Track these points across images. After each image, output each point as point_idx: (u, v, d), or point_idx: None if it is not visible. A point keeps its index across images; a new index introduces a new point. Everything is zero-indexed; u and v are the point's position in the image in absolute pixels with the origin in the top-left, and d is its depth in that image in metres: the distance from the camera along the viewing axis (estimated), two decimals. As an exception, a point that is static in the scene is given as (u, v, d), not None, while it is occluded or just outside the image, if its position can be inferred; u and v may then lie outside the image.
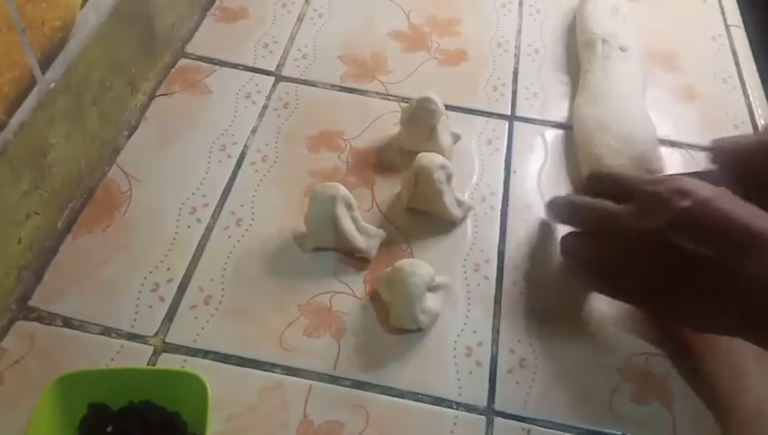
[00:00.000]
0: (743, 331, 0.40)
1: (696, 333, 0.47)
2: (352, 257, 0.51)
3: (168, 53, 0.64)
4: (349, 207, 0.51)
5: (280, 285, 0.50)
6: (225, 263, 0.50)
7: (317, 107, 0.62)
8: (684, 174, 0.50)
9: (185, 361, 0.45)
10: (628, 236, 0.42)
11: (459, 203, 0.54)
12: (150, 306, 0.48)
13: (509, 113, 0.63)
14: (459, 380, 0.46)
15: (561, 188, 0.57)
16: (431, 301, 0.47)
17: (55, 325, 0.46)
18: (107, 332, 0.46)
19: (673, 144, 0.61)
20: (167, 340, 0.46)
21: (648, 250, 0.41)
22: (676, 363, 0.48)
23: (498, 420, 0.44)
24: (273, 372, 0.45)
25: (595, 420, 0.45)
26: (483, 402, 0.45)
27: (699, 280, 0.39)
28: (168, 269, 0.50)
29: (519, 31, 0.71)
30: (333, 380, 0.45)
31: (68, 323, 0.47)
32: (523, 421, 0.45)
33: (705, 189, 0.40)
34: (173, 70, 0.63)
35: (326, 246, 0.50)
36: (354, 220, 0.51)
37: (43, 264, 0.49)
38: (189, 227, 0.52)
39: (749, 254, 0.38)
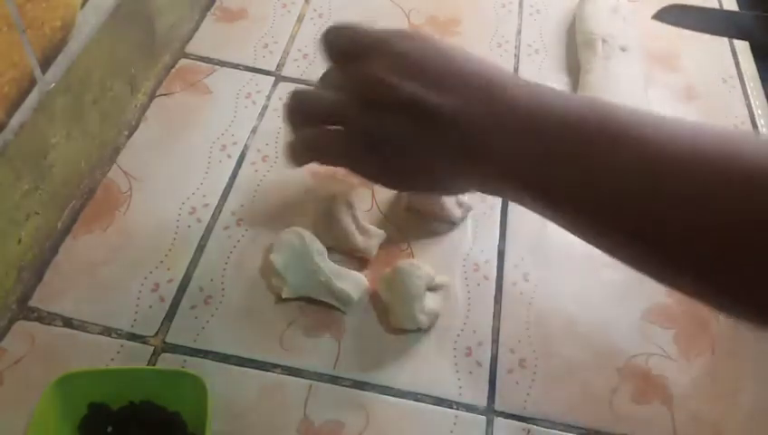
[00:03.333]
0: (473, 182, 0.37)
1: None
2: (352, 257, 0.51)
3: (168, 53, 0.64)
4: (349, 206, 0.51)
5: (280, 285, 0.50)
6: (226, 263, 0.51)
7: (317, 107, 0.62)
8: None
9: (185, 361, 0.46)
10: (347, 82, 0.38)
11: (459, 203, 0.54)
12: (150, 306, 0.48)
13: (509, 113, 0.63)
14: (459, 380, 0.46)
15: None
16: (431, 301, 0.47)
17: (55, 325, 0.46)
18: (107, 332, 0.47)
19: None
20: (167, 340, 0.46)
21: (360, 93, 0.37)
22: (676, 363, 0.48)
23: (498, 420, 0.44)
24: (274, 371, 0.46)
25: (595, 419, 0.45)
26: (483, 402, 0.45)
27: (415, 127, 0.35)
28: (169, 269, 0.50)
29: (519, 31, 0.71)
30: (333, 380, 0.45)
31: (68, 323, 0.47)
32: (523, 421, 0.45)
33: (427, 35, 0.38)
34: (173, 70, 0.63)
35: (327, 245, 0.50)
36: (354, 220, 0.51)
37: (43, 264, 0.49)
38: (189, 227, 0.52)
39: (448, 89, 0.35)
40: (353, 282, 0.48)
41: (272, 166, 0.57)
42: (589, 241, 0.36)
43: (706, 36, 0.72)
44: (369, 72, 0.37)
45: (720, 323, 0.50)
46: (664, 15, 0.55)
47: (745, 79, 0.68)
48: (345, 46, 0.40)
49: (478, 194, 0.56)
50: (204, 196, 0.54)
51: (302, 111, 0.41)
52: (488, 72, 0.36)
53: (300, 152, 0.42)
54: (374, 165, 0.39)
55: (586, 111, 0.34)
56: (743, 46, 0.71)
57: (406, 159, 0.37)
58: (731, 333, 0.50)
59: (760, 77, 0.68)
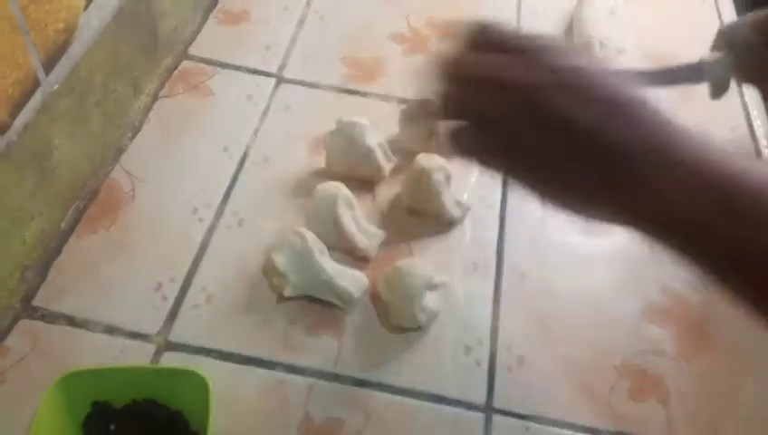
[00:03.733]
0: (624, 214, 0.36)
1: None
2: (352, 257, 0.52)
3: (170, 55, 0.64)
4: (349, 206, 0.51)
5: (281, 284, 0.50)
6: (227, 262, 0.51)
7: (318, 108, 0.62)
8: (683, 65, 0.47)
9: (187, 359, 0.46)
10: (502, 86, 0.36)
11: (458, 203, 0.54)
12: (153, 305, 0.48)
13: (508, 115, 0.63)
14: (458, 378, 0.46)
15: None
16: (430, 300, 0.48)
17: (59, 324, 0.47)
18: (110, 330, 0.47)
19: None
20: (169, 338, 0.47)
21: (521, 106, 0.36)
22: (672, 362, 0.48)
23: (497, 418, 0.45)
24: (275, 370, 0.46)
25: (593, 417, 0.45)
26: (482, 400, 0.46)
27: (572, 147, 0.35)
28: (171, 268, 0.50)
29: (518, 33, 0.71)
30: (334, 378, 0.46)
31: (71, 321, 0.47)
32: (521, 419, 0.45)
33: (591, 58, 0.37)
34: (176, 72, 0.63)
35: (328, 244, 0.50)
36: (355, 219, 0.51)
37: (46, 263, 0.50)
38: (192, 226, 0.53)
39: (632, 126, 0.34)
40: (354, 280, 0.48)
41: (273, 167, 0.57)
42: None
43: (703, 38, 0.72)
44: (532, 83, 0.35)
45: (718, 321, 0.51)
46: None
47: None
48: (500, 41, 0.38)
49: (477, 194, 0.57)
50: (206, 196, 0.55)
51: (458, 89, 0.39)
52: (657, 112, 0.35)
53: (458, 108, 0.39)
54: (524, 169, 0.38)
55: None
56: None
57: (560, 175, 0.36)
58: (728, 332, 0.50)
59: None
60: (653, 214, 0.35)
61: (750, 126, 0.65)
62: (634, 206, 0.35)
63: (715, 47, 0.52)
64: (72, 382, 0.41)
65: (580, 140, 0.34)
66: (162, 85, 0.62)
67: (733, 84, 0.54)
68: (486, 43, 0.39)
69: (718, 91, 0.53)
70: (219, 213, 0.54)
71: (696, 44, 0.72)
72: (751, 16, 0.53)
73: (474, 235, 0.54)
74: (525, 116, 0.36)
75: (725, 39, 0.51)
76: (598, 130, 0.34)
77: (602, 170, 0.34)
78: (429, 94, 0.40)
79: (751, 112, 0.66)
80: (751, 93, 0.67)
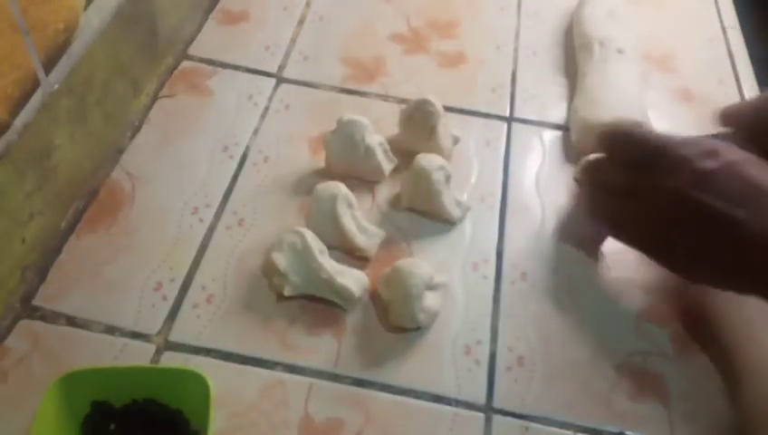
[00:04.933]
0: (760, 291, 0.39)
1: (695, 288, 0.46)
2: (352, 256, 0.52)
3: (170, 55, 0.64)
4: (350, 205, 0.51)
5: (281, 284, 0.50)
6: (228, 262, 0.51)
7: (318, 108, 0.62)
8: (700, 137, 0.50)
9: (187, 359, 0.46)
10: (648, 193, 0.40)
11: (458, 203, 0.55)
12: (153, 305, 0.48)
13: (507, 115, 0.63)
14: (458, 378, 0.46)
15: (559, 189, 0.58)
16: (430, 300, 0.48)
17: (59, 324, 0.47)
18: (110, 330, 0.47)
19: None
20: (169, 338, 0.47)
21: (667, 206, 0.39)
22: (672, 362, 0.48)
23: (497, 418, 0.45)
24: (275, 369, 0.46)
25: (593, 417, 0.45)
26: (481, 400, 0.46)
27: (719, 238, 0.38)
28: (171, 268, 0.50)
29: (517, 33, 0.71)
30: (334, 378, 0.46)
31: (71, 321, 0.47)
32: (521, 419, 0.45)
33: (733, 152, 0.39)
34: (175, 72, 0.64)
35: (328, 244, 0.50)
36: (355, 219, 0.51)
37: (46, 263, 0.50)
38: (192, 226, 0.53)
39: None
40: (355, 279, 0.49)
41: (273, 167, 0.57)
42: None
43: (703, 38, 0.73)
44: (675, 186, 0.39)
45: (717, 322, 0.51)
46: None
47: (741, 81, 0.68)
48: (642, 155, 0.41)
49: (477, 194, 0.57)
50: (206, 196, 0.55)
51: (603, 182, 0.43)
52: None
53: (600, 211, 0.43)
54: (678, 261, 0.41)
55: None
56: (739, 48, 0.72)
57: (707, 263, 0.39)
58: (727, 332, 0.50)
59: (756, 79, 0.69)
60: None
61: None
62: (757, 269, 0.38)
63: (720, 126, 0.51)
64: (72, 382, 0.41)
65: (728, 230, 0.37)
66: (162, 85, 0.62)
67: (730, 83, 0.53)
68: (626, 147, 0.42)
69: None
70: (219, 213, 0.54)
71: (697, 45, 0.73)
72: (755, 98, 0.52)
73: (474, 235, 0.54)
74: (673, 217, 0.39)
75: (730, 119, 0.50)
76: (743, 221, 0.37)
77: (747, 257, 0.37)
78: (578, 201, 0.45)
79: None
80: (750, 93, 0.67)
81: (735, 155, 0.39)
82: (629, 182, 0.41)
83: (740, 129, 0.48)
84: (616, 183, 0.42)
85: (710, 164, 0.39)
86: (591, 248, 0.51)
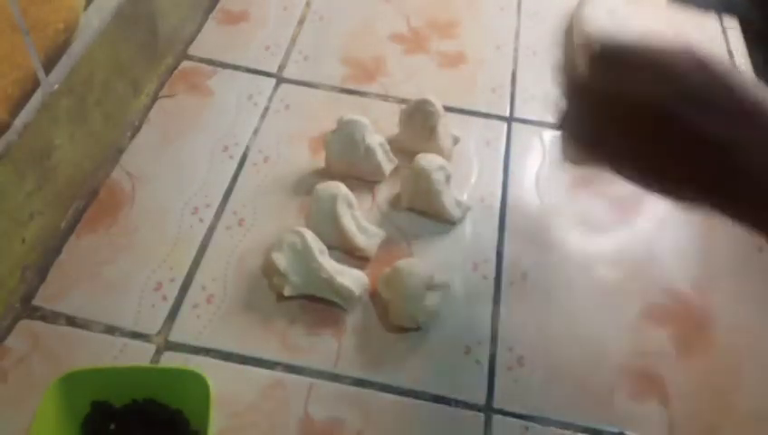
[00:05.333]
0: (741, 212, 0.39)
1: None
2: (352, 256, 0.52)
3: (170, 55, 0.64)
4: (350, 205, 0.51)
5: (281, 284, 0.50)
6: (228, 262, 0.51)
7: (318, 108, 0.62)
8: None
9: (187, 359, 0.46)
10: (630, 103, 0.39)
11: (458, 203, 0.54)
12: (153, 305, 0.48)
13: (507, 115, 0.63)
14: (458, 378, 0.46)
15: (560, 189, 0.58)
16: (430, 300, 0.48)
17: (59, 324, 0.47)
18: (110, 330, 0.47)
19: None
20: (169, 338, 0.47)
21: (649, 120, 0.38)
22: (672, 362, 0.48)
23: (497, 418, 0.45)
24: (275, 369, 0.46)
25: (593, 417, 0.45)
26: (482, 400, 0.46)
27: (702, 154, 0.37)
28: (171, 268, 0.50)
29: (517, 33, 0.71)
30: (334, 378, 0.46)
31: (71, 321, 0.47)
32: (521, 419, 0.45)
33: (722, 65, 0.38)
34: (175, 72, 0.64)
35: (328, 244, 0.50)
36: (355, 219, 0.51)
37: (46, 263, 0.50)
38: (192, 226, 0.53)
39: (744, 128, 0.36)
40: (354, 279, 0.49)
41: (273, 166, 0.57)
42: None
43: (703, 38, 0.73)
44: (656, 97, 0.38)
45: (718, 321, 0.51)
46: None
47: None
48: (627, 56, 0.40)
49: (477, 194, 0.57)
50: (206, 196, 0.55)
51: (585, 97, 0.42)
52: None
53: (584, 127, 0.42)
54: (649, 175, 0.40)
55: None
56: (739, 48, 0.72)
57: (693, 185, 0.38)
58: (728, 332, 0.50)
59: (754, 73, 0.69)
60: (761, 201, 0.36)
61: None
62: (746, 195, 0.37)
63: None
64: (72, 382, 0.41)
65: (707, 144, 0.36)
66: (162, 85, 0.62)
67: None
68: (611, 58, 0.41)
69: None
70: (219, 213, 0.54)
71: (696, 43, 0.72)
72: None
73: (474, 235, 0.54)
74: (652, 128, 0.38)
75: None
76: (722, 134, 0.36)
77: (721, 168, 0.37)
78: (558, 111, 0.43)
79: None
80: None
81: (721, 67, 0.38)
82: (615, 90, 0.40)
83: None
84: (596, 87, 0.41)
85: (696, 76, 0.38)
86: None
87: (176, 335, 0.47)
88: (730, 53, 0.71)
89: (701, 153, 0.37)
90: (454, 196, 0.54)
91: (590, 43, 0.42)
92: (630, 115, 0.39)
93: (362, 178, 0.56)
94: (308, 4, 0.72)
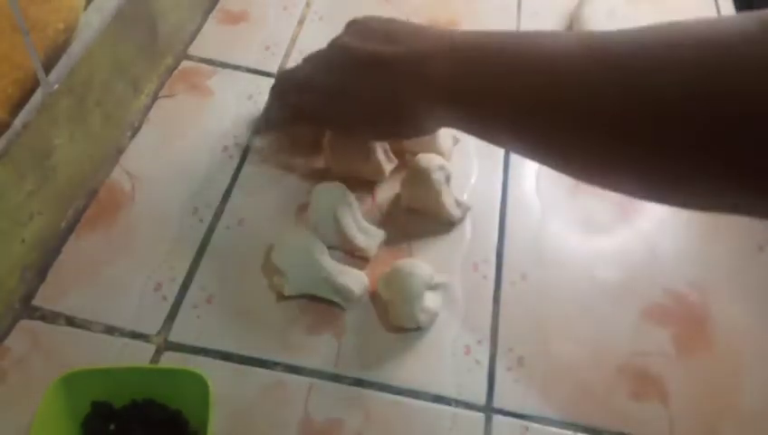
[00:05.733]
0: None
1: None
2: (352, 256, 0.52)
3: (170, 55, 0.64)
4: (349, 205, 0.51)
5: (281, 284, 0.50)
6: (227, 262, 0.51)
7: (318, 108, 0.62)
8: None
9: (187, 359, 0.46)
10: (320, 54, 0.50)
11: (458, 203, 0.54)
12: (153, 305, 0.48)
13: (508, 115, 0.63)
14: (458, 378, 0.46)
15: (560, 189, 0.58)
16: (430, 300, 0.48)
17: (58, 324, 0.47)
18: (110, 330, 0.47)
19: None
20: (169, 338, 0.47)
21: (328, 55, 0.49)
22: (673, 362, 0.48)
23: (497, 418, 0.45)
24: (275, 369, 0.46)
25: (593, 417, 0.45)
26: (482, 400, 0.46)
27: (360, 69, 0.46)
28: (171, 268, 0.50)
29: (518, 33, 0.71)
30: (334, 378, 0.46)
31: (71, 321, 0.47)
32: (521, 419, 0.45)
33: (376, 17, 0.49)
34: (175, 72, 0.63)
35: (327, 244, 0.50)
36: (355, 219, 0.51)
37: (46, 263, 0.50)
38: (191, 226, 0.53)
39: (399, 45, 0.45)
40: (355, 278, 0.49)
41: (273, 166, 0.57)
42: (511, 146, 0.45)
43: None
44: (336, 42, 0.49)
45: (718, 321, 0.51)
46: None
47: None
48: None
49: (478, 194, 0.56)
50: (206, 196, 0.55)
51: (280, 83, 0.55)
52: (433, 29, 0.46)
53: (277, 116, 0.54)
54: (335, 111, 0.48)
55: (498, 36, 0.42)
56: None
57: (369, 103, 0.46)
58: (729, 332, 0.50)
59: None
60: (434, 92, 0.43)
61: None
62: (423, 96, 0.43)
63: None
64: (72, 382, 0.41)
65: (367, 60, 0.45)
66: (162, 85, 0.62)
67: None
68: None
69: None
70: (219, 213, 0.54)
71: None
72: None
73: (474, 235, 0.54)
74: (331, 61, 0.48)
75: None
76: (379, 52, 0.45)
77: (394, 84, 0.44)
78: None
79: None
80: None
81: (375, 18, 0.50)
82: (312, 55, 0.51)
83: None
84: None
85: (376, 24, 0.48)
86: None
87: (175, 335, 0.47)
88: None
89: (367, 70, 0.45)
90: (454, 196, 0.54)
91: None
92: (320, 58, 0.50)
93: (362, 178, 0.56)
94: (308, 5, 0.71)
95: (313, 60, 0.51)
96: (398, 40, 0.45)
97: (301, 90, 0.50)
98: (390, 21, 0.48)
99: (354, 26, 0.49)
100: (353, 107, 0.47)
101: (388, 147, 0.56)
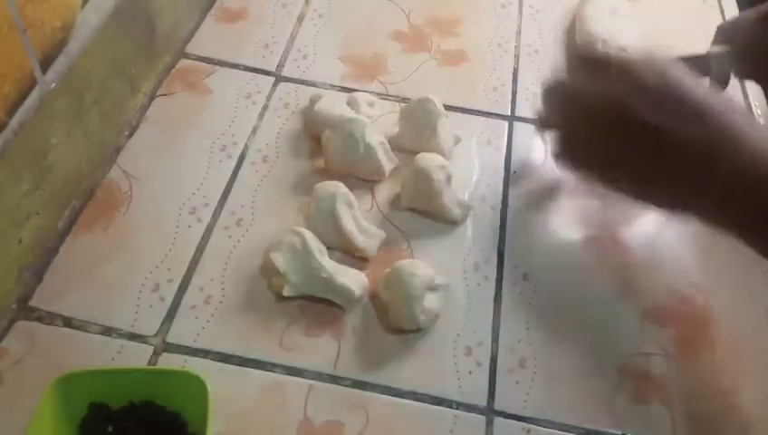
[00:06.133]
0: (688, 206, 0.41)
1: None
2: (352, 256, 0.51)
3: (168, 53, 0.64)
4: (349, 205, 0.51)
5: (280, 284, 0.50)
6: (226, 263, 0.51)
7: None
8: (688, 56, 0.51)
9: (185, 360, 0.46)
10: (590, 99, 0.43)
11: (459, 203, 0.54)
12: (151, 306, 0.48)
13: (509, 114, 0.63)
14: (459, 379, 0.46)
15: (561, 189, 0.57)
16: (431, 301, 0.47)
17: (56, 325, 0.47)
18: (107, 332, 0.47)
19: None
20: (167, 340, 0.46)
21: (606, 114, 0.42)
22: (675, 363, 0.48)
23: (498, 420, 0.45)
24: (274, 371, 0.46)
25: (595, 419, 0.45)
26: (483, 402, 0.45)
27: (649, 147, 0.40)
28: (169, 269, 0.50)
29: (519, 31, 0.71)
30: (333, 379, 0.45)
31: (68, 322, 0.47)
32: (522, 421, 0.45)
33: (679, 71, 0.42)
34: (173, 70, 0.63)
35: (327, 244, 0.50)
36: (355, 219, 0.51)
37: (43, 264, 0.49)
38: (190, 227, 0.52)
39: (695, 127, 0.39)
40: (355, 279, 0.48)
41: (272, 166, 0.57)
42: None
43: (705, 36, 0.72)
44: (613, 96, 0.42)
45: (720, 322, 0.50)
46: None
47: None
48: (593, 58, 0.45)
49: (478, 194, 0.56)
50: (204, 196, 0.54)
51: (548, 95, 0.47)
52: (723, 110, 0.40)
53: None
54: (614, 173, 0.44)
55: None
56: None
57: (646, 180, 0.42)
58: (730, 334, 0.50)
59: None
60: (720, 201, 0.39)
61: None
62: (704, 193, 0.40)
63: (715, 42, 0.53)
64: (70, 384, 0.40)
65: (659, 139, 0.40)
66: (160, 84, 0.62)
67: (734, 79, 0.55)
68: (580, 64, 0.46)
69: (720, 84, 0.54)
70: (217, 213, 0.54)
71: (699, 43, 0.72)
72: (752, 11, 0.53)
73: (475, 235, 0.54)
74: (608, 122, 0.41)
75: (726, 35, 0.53)
76: (673, 130, 0.39)
77: (678, 165, 0.40)
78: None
79: (753, 109, 0.65)
80: (753, 88, 0.67)
81: (678, 72, 0.41)
82: (579, 87, 0.44)
83: (735, 45, 0.49)
84: (567, 87, 0.45)
85: (653, 78, 0.41)
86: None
87: (174, 337, 0.47)
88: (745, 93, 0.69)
89: (659, 149, 0.40)
90: (455, 195, 0.54)
91: (571, 51, 0.47)
92: (592, 109, 0.42)
93: (362, 177, 0.56)
94: (307, 2, 0.71)
95: (585, 98, 0.43)
96: (689, 117, 0.40)
97: (566, 129, 0.45)
98: (675, 83, 0.41)
99: (633, 80, 0.41)
100: (622, 177, 0.43)
101: (388, 147, 0.56)
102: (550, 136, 0.46)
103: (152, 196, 0.54)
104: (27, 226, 0.48)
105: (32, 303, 0.47)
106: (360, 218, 0.52)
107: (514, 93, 0.65)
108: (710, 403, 0.46)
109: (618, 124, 0.41)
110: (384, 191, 0.56)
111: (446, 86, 0.64)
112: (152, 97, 0.61)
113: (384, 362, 0.46)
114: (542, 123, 0.48)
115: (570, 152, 0.45)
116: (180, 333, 0.47)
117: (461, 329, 0.48)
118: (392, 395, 0.45)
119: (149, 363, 0.45)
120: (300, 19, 0.69)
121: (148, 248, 0.51)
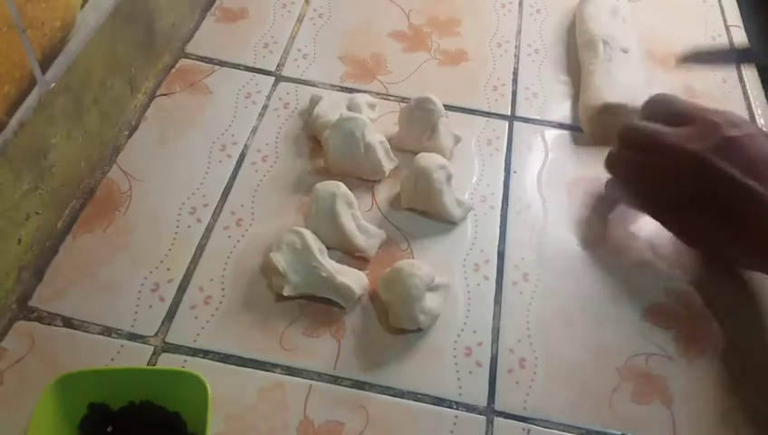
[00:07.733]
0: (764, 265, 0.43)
1: None
2: (352, 256, 0.51)
3: (168, 53, 0.64)
4: (349, 205, 0.51)
5: (280, 284, 0.50)
6: (226, 263, 0.51)
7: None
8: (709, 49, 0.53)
9: (185, 361, 0.46)
10: (673, 152, 0.44)
11: (459, 203, 0.54)
12: (150, 306, 0.48)
13: (509, 113, 0.63)
14: (459, 380, 0.46)
15: (561, 189, 0.57)
16: (431, 301, 0.47)
17: (55, 325, 0.46)
18: (107, 332, 0.47)
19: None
20: (167, 340, 0.46)
21: (688, 167, 0.43)
22: (676, 363, 0.48)
23: (498, 420, 0.44)
24: (274, 371, 0.46)
25: (595, 419, 0.45)
26: (483, 402, 0.45)
27: (732, 204, 0.41)
28: (169, 269, 0.50)
29: (519, 31, 0.71)
30: (333, 380, 0.45)
31: (68, 322, 0.47)
32: (522, 421, 0.45)
33: (754, 126, 0.43)
34: (173, 70, 0.63)
35: (327, 244, 0.50)
36: (355, 219, 0.51)
37: (43, 264, 0.49)
38: (189, 226, 0.52)
39: None
40: (355, 278, 0.48)
41: (272, 166, 0.57)
42: None
43: (706, 36, 0.72)
44: (694, 151, 0.43)
45: (721, 322, 0.50)
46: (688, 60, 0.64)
47: (745, 78, 0.68)
48: (676, 112, 0.46)
49: (478, 194, 0.56)
50: (204, 196, 0.54)
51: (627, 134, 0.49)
52: None
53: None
54: (685, 224, 0.46)
55: None
56: (743, 46, 0.71)
57: (713, 223, 0.44)
58: (731, 332, 0.50)
59: (759, 77, 0.68)
60: None
61: (751, 119, 0.64)
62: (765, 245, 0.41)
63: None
64: (69, 384, 0.40)
65: (739, 196, 0.41)
66: (159, 83, 0.62)
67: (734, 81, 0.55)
68: (658, 112, 0.48)
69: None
70: (217, 213, 0.54)
71: (700, 43, 0.72)
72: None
73: (475, 235, 0.54)
74: (691, 177, 0.43)
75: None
76: (754, 189, 0.41)
77: (744, 216, 0.41)
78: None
79: (754, 109, 0.65)
80: (754, 90, 0.67)
81: (755, 128, 0.43)
82: (655, 140, 0.45)
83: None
84: (641, 140, 0.46)
85: (734, 132, 0.41)
86: (605, 207, 0.55)
87: (173, 337, 0.47)
88: (745, 93, 0.69)
89: (742, 208, 0.41)
90: (455, 195, 0.54)
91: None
92: (670, 164, 0.44)
93: (362, 177, 0.55)
94: (307, 2, 0.71)
95: (665, 147, 0.45)
96: (762, 172, 0.42)
97: (644, 171, 0.47)
98: (749, 137, 0.43)
99: (727, 141, 0.43)
100: (692, 227, 0.45)
101: (388, 146, 0.56)
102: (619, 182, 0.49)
103: (152, 195, 0.54)
104: (27, 225, 0.48)
105: (31, 303, 0.47)
106: (360, 218, 0.51)
107: (514, 93, 0.65)
108: (711, 403, 0.46)
109: (702, 180, 0.42)
110: (384, 191, 0.56)
111: (446, 86, 0.64)
112: (152, 97, 0.61)
113: (384, 362, 0.46)
114: (615, 168, 0.50)
115: (643, 196, 0.47)
116: (180, 333, 0.47)
117: (461, 329, 0.48)
118: (392, 395, 0.45)
119: (149, 363, 0.45)
120: (300, 19, 0.69)
121: (147, 248, 0.51)
